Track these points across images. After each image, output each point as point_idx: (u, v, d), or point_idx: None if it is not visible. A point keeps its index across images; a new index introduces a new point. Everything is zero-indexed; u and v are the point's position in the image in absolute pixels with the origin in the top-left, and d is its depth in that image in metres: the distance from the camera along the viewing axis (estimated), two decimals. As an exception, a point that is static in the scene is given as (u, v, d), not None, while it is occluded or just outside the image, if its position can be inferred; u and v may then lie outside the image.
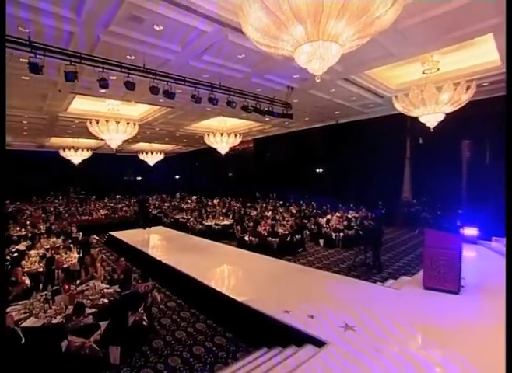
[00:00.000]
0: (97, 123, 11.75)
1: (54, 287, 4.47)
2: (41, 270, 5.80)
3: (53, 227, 9.97)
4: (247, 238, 9.58)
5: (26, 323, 3.71)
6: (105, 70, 6.44)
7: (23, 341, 3.30)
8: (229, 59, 7.48)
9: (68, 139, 18.50)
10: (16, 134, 16.74)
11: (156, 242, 10.54)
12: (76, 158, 19.61)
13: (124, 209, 17.02)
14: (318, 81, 4.58)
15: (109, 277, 5.35)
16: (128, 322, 3.66)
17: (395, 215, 13.93)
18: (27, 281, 5.52)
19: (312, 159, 17.26)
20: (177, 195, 25.08)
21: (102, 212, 15.09)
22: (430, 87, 7.18)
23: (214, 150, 16.23)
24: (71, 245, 7.37)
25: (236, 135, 15.45)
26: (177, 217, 14.65)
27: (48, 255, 6.51)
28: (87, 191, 23.74)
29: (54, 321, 3.74)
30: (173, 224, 14.19)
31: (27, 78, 8.62)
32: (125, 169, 27.33)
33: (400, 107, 8.36)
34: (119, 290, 4.43)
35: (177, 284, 6.41)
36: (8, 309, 4.18)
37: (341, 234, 10.13)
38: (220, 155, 16.70)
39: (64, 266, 5.54)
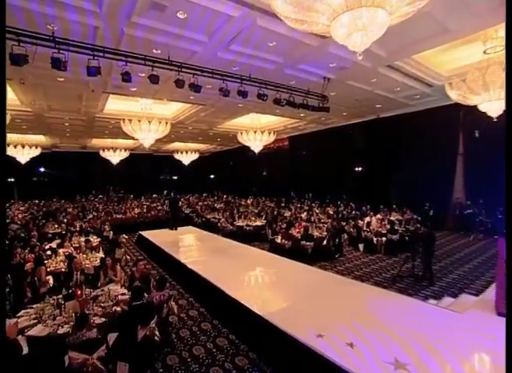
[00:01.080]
0: (130, 122, 11.82)
1: (68, 291, 4.19)
2: (64, 270, 5.68)
3: (87, 225, 10.07)
4: (279, 240, 8.96)
5: (33, 331, 3.45)
6: (128, 64, 6.19)
7: (25, 352, 3.00)
8: (260, 48, 6.93)
9: (107, 140, 19.15)
10: (61, 135, 17.59)
11: (183, 243, 10.15)
12: (115, 158, 20.31)
13: (159, 208, 17.16)
14: (360, 58, 3.85)
15: (127, 282, 5.04)
16: (137, 336, 3.24)
17: (445, 218, 12.49)
18: (51, 281, 5.40)
19: (351, 157, 16.16)
20: (210, 194, 25.07)
21: (136, 211, 15.28)
22: (495, 68, 6.07)
23: (248, 149, 15.84)
24: (98, 245, 7.26)
25: (270, 133, 14.91)
26: (208, 216, 14.40)
27: (75, 254, 6.41)
28: (126, 190, 24.52)
29: (60, 330, 3.44)
30: (204, 224, 13.95)
31: (62, 79, 8.78)
32: (162, 168, 27.92)
33: (455, 95, 7.26)
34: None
35: (201, 291, 5.96)
36: (21, 313, 3.99)
37: (384, 238, 9.13)
38: (254, 154, 16.30)
39: (84, 267, 5.31)
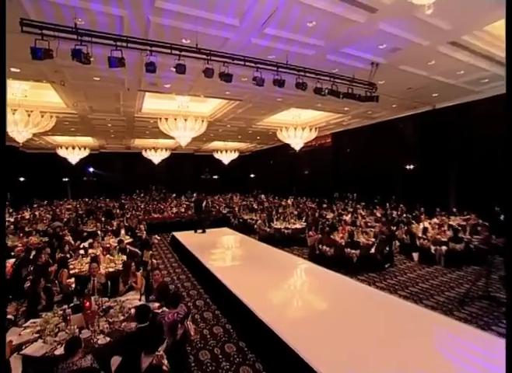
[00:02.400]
0: (166, 121, 11.67)
1: (80, 300, 3.79)
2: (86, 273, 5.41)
3: (122, 225, 10.03)
4: (320, 246, 8.05)
5: (29, 349, 3.06)
6: (158, 56, 5.77)
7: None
8: (298, 29, 6.13)
9: (149, 140, 19.58)
10: (106, 137, 18.26)
11: (214, 247, 9.42)
12: (156, 157, 20.77)
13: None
14: (429, 12, 2.91)
15: (145, 292, 4.57)
16: (140, 365, 2.68)
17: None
18: (73, 285, 5.14)
19: (400, 154, 14.55)
20: (250, 194, 24.62)
21: (174, 210, 15.21)
22: None
23: (288, 147, 15.06)
24: (125, 246, 6.97)
25: (311, 129, 13.99)
26: (245, 217, 13.85)
27: (101, 256, 6.16)
28: (168, 189, 25.03)
29: (58, 350, 3.01)
30: (241, 225, 13.42)
31: (98, 78, 8.75)
32: (202, 168, 28.14)
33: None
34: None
35: (228, 305, 5.32)
36: (28, 323, 3.67)
37: (444, 247, 7.79)
38: (295, 152, 15.48)
39: (97, 274, 4.93)
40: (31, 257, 6.13)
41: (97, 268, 4.83)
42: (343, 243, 7.81)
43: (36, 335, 3.30)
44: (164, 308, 3.83)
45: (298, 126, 13.96)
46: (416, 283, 6.70)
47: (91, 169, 23.95)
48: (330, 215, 13.05)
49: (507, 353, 2.03)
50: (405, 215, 11.82)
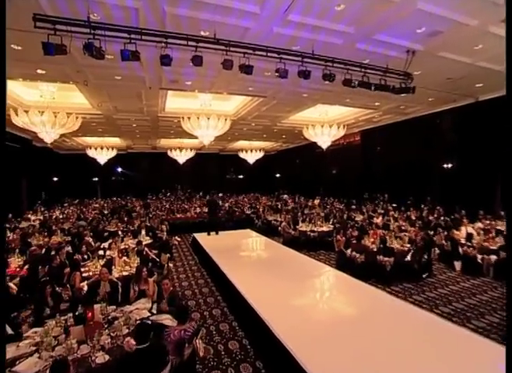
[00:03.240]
0: (189, 120, 11.47)
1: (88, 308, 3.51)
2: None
3: (143, 225, 9.88)
4: (349, 251, 7.42)
5: (22, 366, 2.79)
6: (174, 50, 5.44)
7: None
8: (324, 15, 5.57)
9: (174, 140, 19.65)
10: (131, 137, 18.50)
11: (234, 250, 8.81)
12: (181, 157, 20.85)
13: (224, 207, 16.69)
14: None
15: (157, 300, 4.23)
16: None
17: None
18: (85, 288, 4.93)
19: (437, 152, 13.39)
20: (275, 194, 24.11)
21: (198, 210, 15.02)
22: None
23: (315, 145, 14.41)
24: (143, 248, 6.72)
25: (339, 127, 13.27)
26: (269, 218, 13.36)
27: (117, 258, 5.95)
28: (193, 189, 25.13)
29: (51, 369, 2.70)
30: (265, 226, 12.96)
31: (119, 77, 8.66)
32: (227, 167, 28.04)
33: None
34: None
35: (245, 317, 4.85)
36: (29, 332, 3.43)
37: (494, 257, 6.86)
38: (322, 151, 14.81)
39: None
40: (47, 257, 6.03)
41: (107, 273, 4.56)
42: (374, 249, 7.14)
43: (34, 348, 3.05)
44: (174, 320, 3.47)
45: (325, 123, 13.30)
46: (461, 297, 5.89)
47: (119, 169, 24.55)
48: (359, 217, 12.29)
49: (507, 353, 2.00)
50: (442, 218, 10.81)
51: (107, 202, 20.19)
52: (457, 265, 7.46)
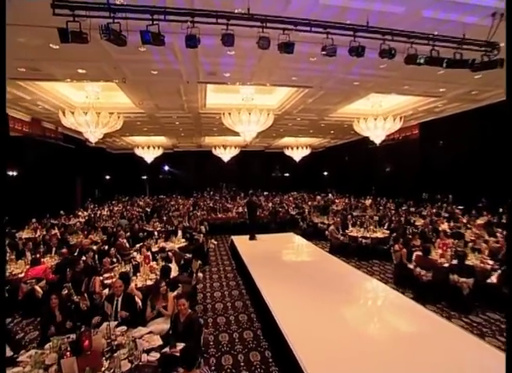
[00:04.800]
0: (230, 115, 10.90)
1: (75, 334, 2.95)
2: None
3: (181, 226, 9.44)
4: (411, 266, 6.13)
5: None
6: (196, 24, 4.71)
7: None
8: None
9: (218, 137, 19.40)
10: (176, 135, 18.61)
11: (273, 258, 7.61)
12: (225, 155, 20.60)
13: (268, 207, 15.84)
14: None
15: (172, 324, 3.53)
16: None
17: None
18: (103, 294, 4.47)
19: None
20: (322, 193, 22.75)
21: (240, 210, 14.36)
22: None
23: (366, 141, 13.03)
24: (173, 253, 6.17)
25: (394, 119, 11.76)
26: (316, 221, 12.27)
27: (143, 264, 5.45)
28: (238, 187, 24.84)
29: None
30: (311, 229, 11.89)
31: (155, 72, 8.35)
32: (273, 165, 27.30)
33: None
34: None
35: (279, 346, 3.99)
36: (25, 356, 2.94)
37: None
38: (373, 148, 13.35)
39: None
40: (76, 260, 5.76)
41: (121, 286, 3.98)
42: (445, 264, 5.79)
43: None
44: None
45: (379, 115, 11.86)
46: None
47: (166, 168, 25.13)
48: (419, 222, 10.66)
49: (507, 353, 2.04)
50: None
51: (154, 200, 20.62)
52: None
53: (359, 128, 12.39)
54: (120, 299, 3.86)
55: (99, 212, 14.45)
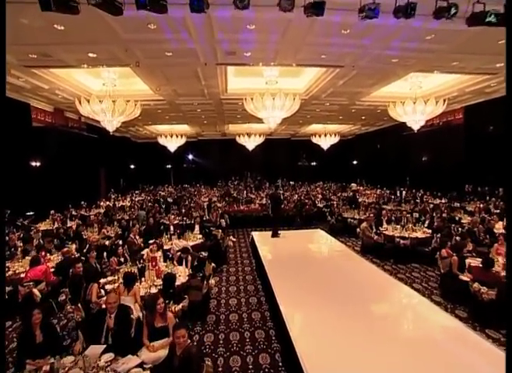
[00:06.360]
0: (252, 100, 10.06)
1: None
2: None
3: (197, 220, 8.82)
4: (465, 278, 5.07)
5: None
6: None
7: None
8: None
9: (242, 125, 18.69)
10: (199, 123, 18.06)
11: (296, 263, 6.54)
12: (250, 144, 19.87)
13: (293, 199, 14.85)
14: None
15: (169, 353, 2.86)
16: None
17: None
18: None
19: None
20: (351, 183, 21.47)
21: (263, 201, 13.52)
22: None
23: (401, 128, 11.71)
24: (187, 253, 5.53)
25: (437, 102, 10.35)
26: (345, 215, 11.25)
27: (149, 267, 4.87)
28: (263, 176, 24.11)
29: None
30: (340, 224, 10.88)
31: (170, 53, 7.68)
32: (299, 154, 26.19)
33: None
34: None
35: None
36: None
37: None
38: (410, 134, 11.98)
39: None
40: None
41: (116, 301, 3.38)
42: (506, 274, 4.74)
43: None
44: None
45: (418, 99, 10.49)
46: None
47: (190, 157, 24.82)
48: (465, 219, 9.38)
49: (507, 353, 2.02)
50: None
51: (177, 189, 20.36)
52: None
53: (395, 113, 11.10)
54: (113, 316, 3.27)
55: (121, 202, 14.28)
